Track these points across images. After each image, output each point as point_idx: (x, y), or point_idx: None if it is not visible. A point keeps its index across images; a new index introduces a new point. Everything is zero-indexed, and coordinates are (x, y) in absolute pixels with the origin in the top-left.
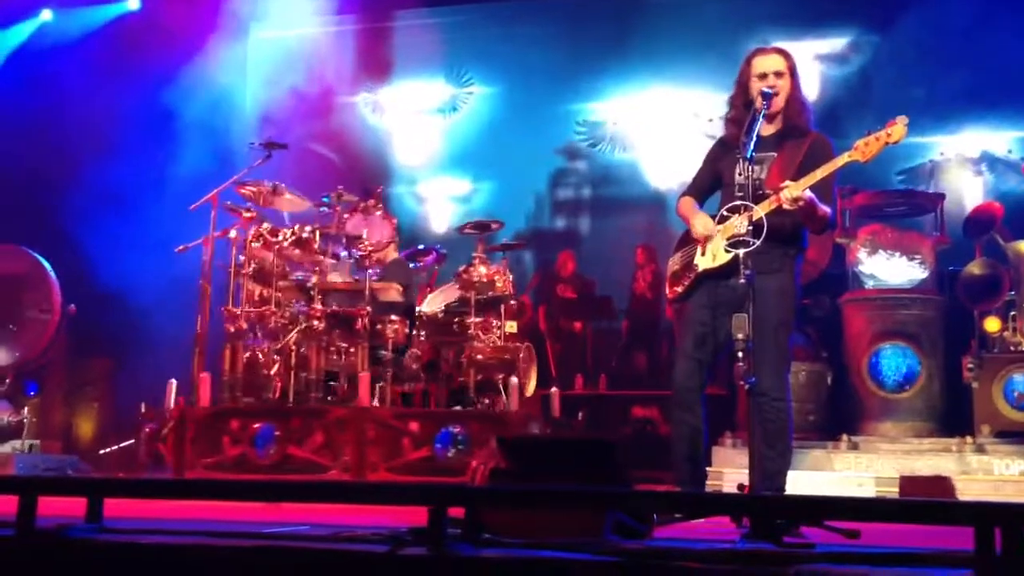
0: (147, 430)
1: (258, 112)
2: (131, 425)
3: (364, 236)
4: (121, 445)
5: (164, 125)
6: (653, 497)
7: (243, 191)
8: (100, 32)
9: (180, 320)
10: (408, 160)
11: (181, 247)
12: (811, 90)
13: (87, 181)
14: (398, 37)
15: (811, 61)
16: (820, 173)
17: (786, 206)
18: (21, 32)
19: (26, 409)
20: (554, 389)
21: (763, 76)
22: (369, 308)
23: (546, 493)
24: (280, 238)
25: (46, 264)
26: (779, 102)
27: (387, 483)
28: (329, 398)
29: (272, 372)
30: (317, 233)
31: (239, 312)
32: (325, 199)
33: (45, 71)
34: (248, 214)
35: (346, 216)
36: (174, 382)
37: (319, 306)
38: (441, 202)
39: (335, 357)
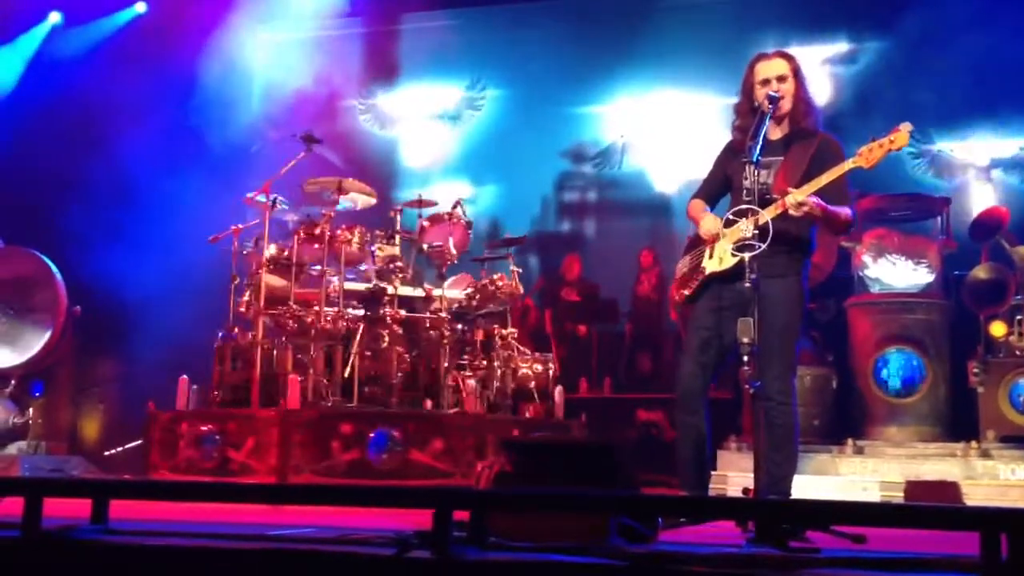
0: (203, 430)
1: (265, 113)
2: (140, 425)
3: (451, 245)
4: (127, 446)
5: (170, 125)
6: (658, 501)
7: (309, 186)
8: (111, 37)
9: (185, 319)
10: (414, 163)
11: (213, 237)
12: (818, 94)
13: (93, 182)
14: (404, 40)
15: (818, 65)
16: (824, 179)
17: (791, 212)
18: (34, 38)
19: (31, 410)
20: (558, 390)
21: (766, 82)
22: (449, 315)
23: (551, 497)
24: (347, 236)
25: (52, 265)
26: (785, 105)
27: (393, 486)
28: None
29: (346, 375)
30: (397, 236)
31: (299, 311)
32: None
33: (54, 77)
34: (328, 212)
35: (426, 222)
36: (186, 378)
37: (395, 311)
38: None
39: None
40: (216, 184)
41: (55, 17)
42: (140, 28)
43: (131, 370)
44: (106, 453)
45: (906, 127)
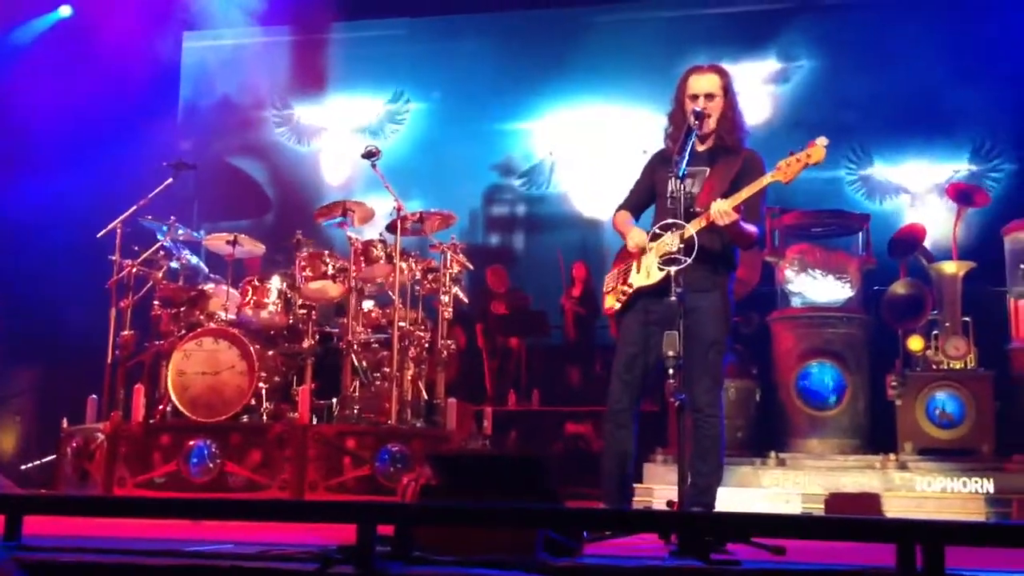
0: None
1: (188, 122)
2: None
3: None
4: (43, 460)
5: (93, 133)
6: (583, 514)
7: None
8: (35, 42)
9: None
10: (336, 178)
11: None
12: (749, 111)
13: (16, 191)
14: (332, 50)
15: (749, 82)
16: (745, 193)
17: (718, 222)
18: None
19: None
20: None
21: (695, 97)
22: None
23: (475, 510)
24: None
25: None
26: (711, 122)
27: (316, 501)
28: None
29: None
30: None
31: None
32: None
33: None
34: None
35: None
36: (95, 398)
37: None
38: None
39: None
40: (135, 193)
41: None
42: (64, 33)
43: (46, 382)
44: (23, 467)
45: (821, 141)
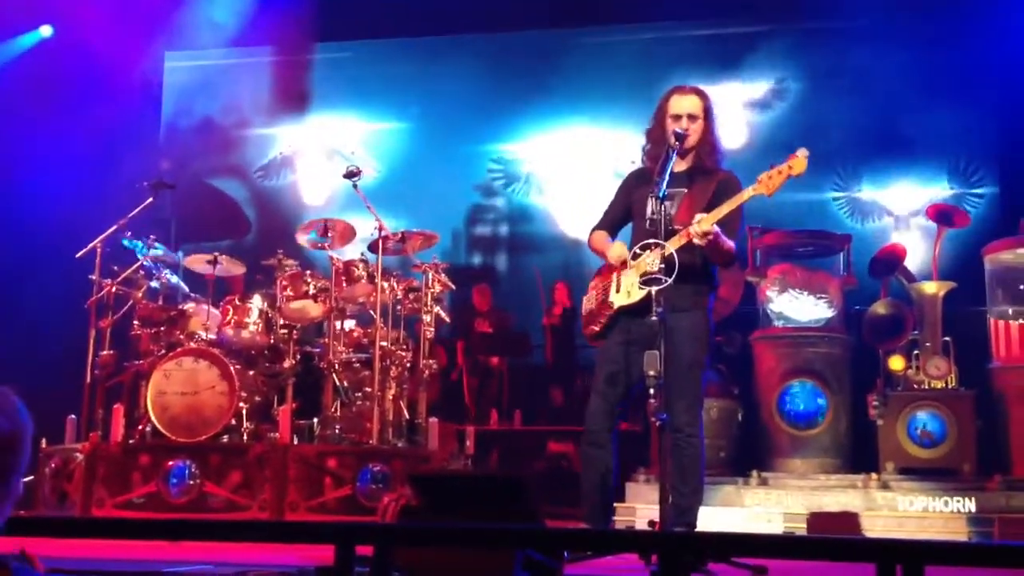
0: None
1: (168, 142)
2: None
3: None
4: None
5: (73, 152)
6: (564, 535)
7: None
8: (16, 61)
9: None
10: (316, 199)
11: (90, 301)
12: (727, 132)
13: None
14: (313, 71)
15: (728, 104)
16: (726, 207)
17: (696, 241)
18: None
19: None
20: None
21: (677, 117)
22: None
23: (455, 531)
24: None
25: None
26: (691, 141)
27: (295, 521)
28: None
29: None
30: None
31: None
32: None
33: None
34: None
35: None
36: (74, 418)
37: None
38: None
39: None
40: (114, 212)
41: None
42: (46, 53)
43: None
44: None
45: (803, 152)
